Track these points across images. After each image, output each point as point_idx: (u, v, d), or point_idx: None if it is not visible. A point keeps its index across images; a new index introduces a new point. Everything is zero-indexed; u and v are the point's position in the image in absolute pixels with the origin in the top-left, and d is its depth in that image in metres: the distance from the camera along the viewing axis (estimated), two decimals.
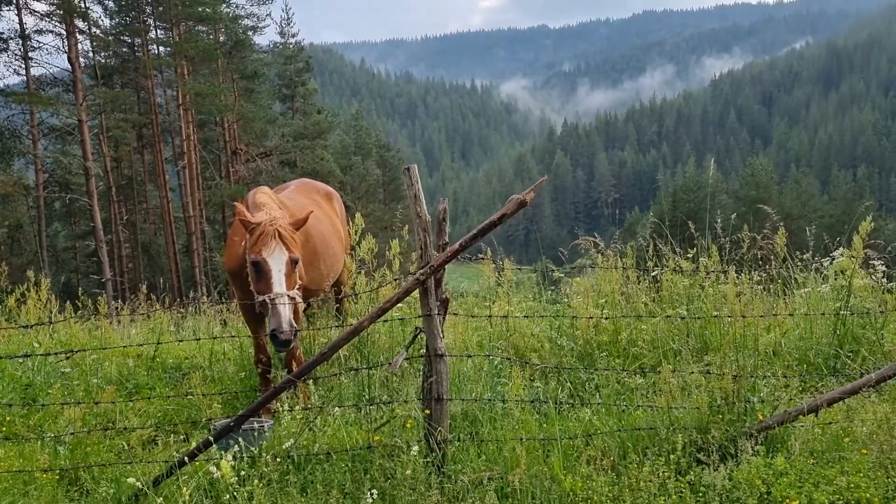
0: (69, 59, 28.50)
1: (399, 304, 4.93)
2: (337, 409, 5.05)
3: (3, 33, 29.47)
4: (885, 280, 6.24)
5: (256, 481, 4.02)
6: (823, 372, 5.49)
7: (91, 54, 33.90)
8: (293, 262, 5.15)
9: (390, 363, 4.56)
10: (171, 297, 10.72)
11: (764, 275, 6.82)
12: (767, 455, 4.15)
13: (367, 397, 5.23)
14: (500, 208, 4.35)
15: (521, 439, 4.34)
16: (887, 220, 54.31)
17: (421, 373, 4.65)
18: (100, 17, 35.15)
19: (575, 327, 6.25)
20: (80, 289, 9.65)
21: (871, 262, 6.32)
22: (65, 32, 28.80)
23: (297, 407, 5.12)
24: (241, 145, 38.63)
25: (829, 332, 5.80)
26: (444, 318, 4.52)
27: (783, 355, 5.77)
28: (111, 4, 35.41)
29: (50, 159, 32.71)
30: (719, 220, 6.86)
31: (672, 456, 4.12)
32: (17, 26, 28.85)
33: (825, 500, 3.71)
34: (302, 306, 5.52)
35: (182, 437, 5.35)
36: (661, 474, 4.01)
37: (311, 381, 5.39)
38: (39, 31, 29.68)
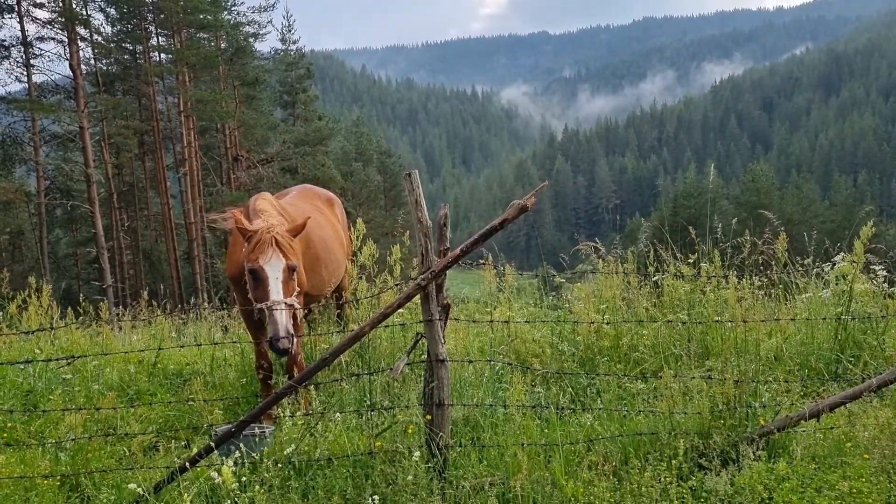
0: (71, 67, 28.58)
1: (400, 310, 4.93)
2: (338, 414, 5.05)
3: (4, 41, 29.61)
4: (886, 285, 6.24)
5: (258, 487, 4.02)
6: (825, 377, 5.48)
7: (93, 61, 33.98)
8: (291, 269, 5.13)
9: (392, 368, 4.56)
10: (172, 303, 10.73)
11: (765, 280, 6.82)
12: (769, 460, 4.14)
13: (368, 403, 5.22)
14: (500, 214, 4.36)
15: (523, 444, 4.33)
16: (888, 226, 54.31)
17: (422, 378, 4.65)
18: (101, 25, 35.30)
19: (576, 332, 6.25)
20: (81, 295, 9.66)
21: (872, 266, 6.32)
22: (66, 40, 28.89)
23: (299, 413, 5.12)
24: (242, 152, 38.69)
25: (831, 337, 5.80)
26: (445, 324, 4.52)
27: (785, 360, 5.77)
28: (113, 12, 35.53)
29: (51, 166, 32.77)
30: (720, 226, 6.86)
31: (674, 461, 4.11)
32: (19, 33, 29.01)
33: None
34: (301, 313, 5.52)
35: (183, 442, 5.35)
36: (662, 479, 4.00)
37: (312, 387, 5.39)
38: (41, 39, 29.82)
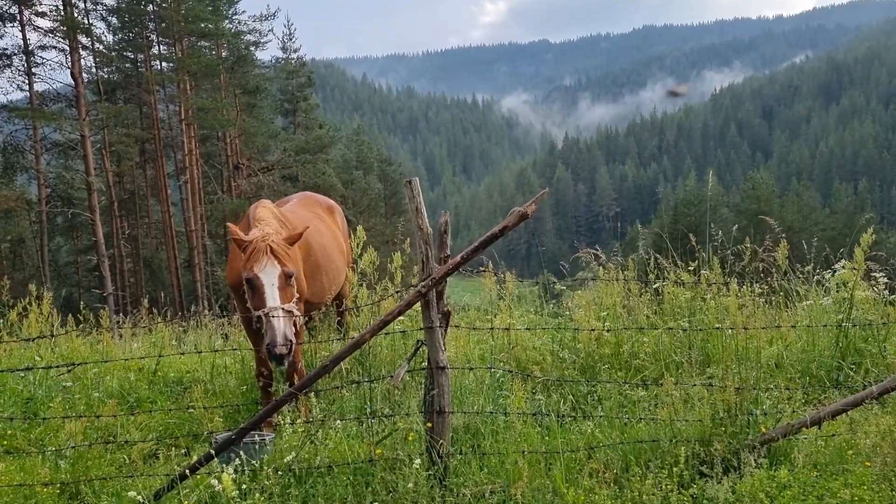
0: (72, 75, 28.66)
1: (401, 317, 4.93)
2: (338, 422, 5.04)
3: (6, 49, 29.71)
4: (886, 292, 6.24)
5: (258, 495, 4.01)
6: (826, 384, 5.47)
7: (94, 70, 34.10)
8: (287, 276, 5.14)
9: (392, 376, 4.56)
10: (172, 311, 10.72)
11: (766, 287, 6.82)
12: (770, 468, 4.13)
13: (368, 410, 5.21)
14: (501, 222, 4.36)
15: (524, 452, 4.33)
16: (889, 233, 54.28)
17: (423, 385, 4.64)
18: (103, 34, 35.43)
19: (577, 340, 6.24)
20: (81, 303, 9.64)
21: (872, 274, 6.32)
22: (68, 48, 28.98)
23: (299, 420, 5.11)
24: (243, 160, 38.76)
25: (832, 345, 5.79)
26: (445, 331, 4.52)
27: (786, 367, 5.76)
28: (114, 21, 35.67)
29: (52, 174, 32.84)
30: (720, 234, 6.86)
31: (675, 469, 4.10)
32: (21, 42, 29.07)
33: None
34: (301, 319, 5.51)
35: (183, 450, 5.34)
36: (663, 487, 3.99)
37: (312, 394, 5.39)
38: (43, 47, 29.92)
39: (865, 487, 3.83)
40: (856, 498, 3.75)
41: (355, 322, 6.91)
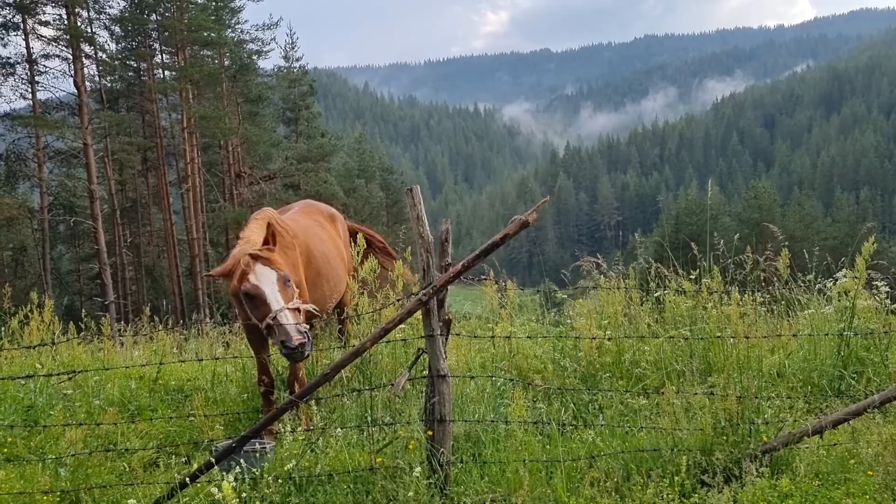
0: (75, 84, 28.75)
1: (402, 325, 4.93)
2: (339, 430, 5.04)
3: (10, 58, 29.83)
4: (888, 301, 6.23)
5: (258, 503, 4.00)
6: (828, 393, 5.46)
7: (97, 78, 34.25)
8: (283, 279, 5.12)
9: (393, 384, 4.55)
10: (173, 319, 10.72)
11: (767, 296, 6.81)
12: (772, 477, 4.12)
13: (369, 418, 5.21)
14: (502, 230, 4.36)
15: (525, 461, 4.32)
16: (890, 242, 54.28)
17: (423, 394, 4.63)
18: (106, 42, 35.59)
19: (578, 348, 6.23)
20: (83, 311, 9.64)
21: (874, 283, 6.30)
22: (71, 57, 29.09)
23: (300, 428, 5.10)
24: (244, 168, 38.83)
25: (834, 354, 5.78)
26: (446, 339, 4.51)
27: (787, 376, 5.75)
28: (117, 30, 35.83)
29: (55, 182, 32.93)
30: (722, 242, 6.86)
31: (676, 478, 4.09)
32: (24, 51, 29.17)
33: None
34: (315, 310, 5.50)
35: (184, 458, 5.33)
36: (665, 496, 3.98)
37: (313, 403, 5.37)
38: (46, 56, 30.00)
39: (867, 497, 3.82)
40: None
41: (356, 330, 6.91)
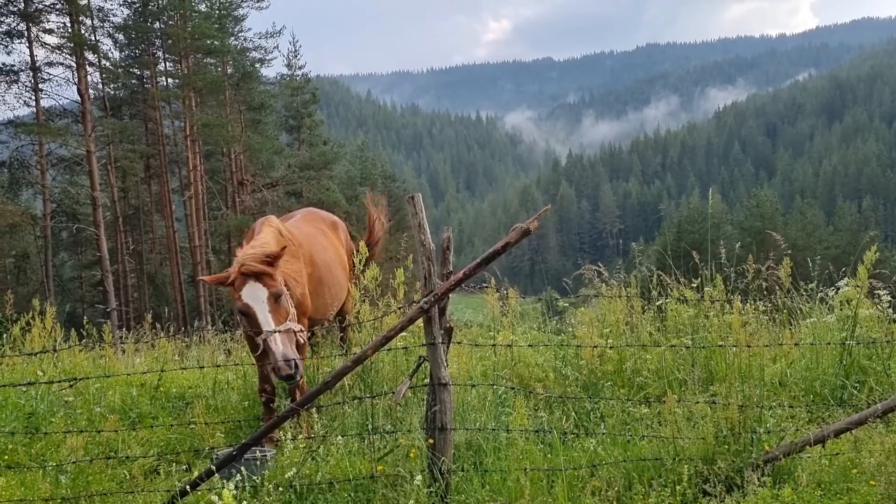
0: (79, 91, 28.84)
1: (403, 333, 4.93)
2: (340, 438, 5.03)
3: (14, 66, 29.94)
4: (890, 310, 6.21)
5: None
6: (830, 402, 5.45)
7: (100, 86, 34.33)
8: (275, 297, 5.04)
9: (394, 392, 4.55)
10: (175, 326, 10.73)
11: (769, 305, 6.80)
12: (774, 486, 4.11)
13: (370, 426, 5.20)
14: (504, 238, 4.36)
15: (526, 469, 4.30)
16: (892, 251, 54.14)
17: (425, 402, 4.63)
18: (109, 50, 35.70)
19: (579, 357, 6.23)
20: (85, 318, 9.65)
21: (876, 291, 6.29)
22: (75, 65, 29.17)
23: (300, 436, 5.10)
24: (247, 176, 38.89)
25: (836, 363, 5.76)
26: (448, 347, 4.51)
27: (789, 386, 5.74)
28: (121, 38, 35.97)
29: (58, 189, 32.96)
30: (723, 251, 6.85)
31: (678, 487, 4.08)
32: (28, 59, 29.27)
33: None
34: (304, 335, 5.49)
35: (184, 466, 5.33)
36: None
37: (314, 410, 5.37)
38: (50, 64, 30.09)
39: None
40: None
41: (357, 338, 6.91)
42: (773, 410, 4.96)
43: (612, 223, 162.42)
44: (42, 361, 7.74)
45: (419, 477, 4.15)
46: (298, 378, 4.91)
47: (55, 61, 30.17)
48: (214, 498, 4.05)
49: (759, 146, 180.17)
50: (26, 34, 29.11)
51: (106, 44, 35.48)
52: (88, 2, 31.45)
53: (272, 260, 5.10)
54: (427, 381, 4.50)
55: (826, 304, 6.72)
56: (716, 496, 4.07)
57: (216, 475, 4.33)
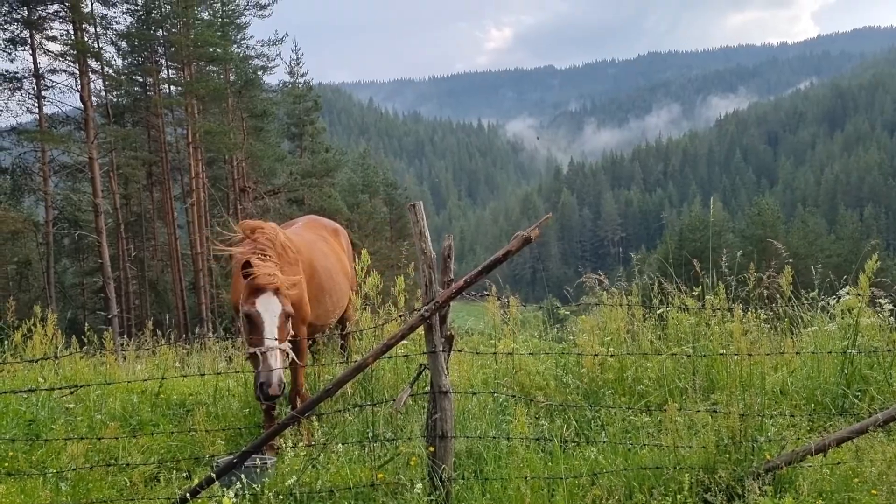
0: (81, 98, 28.93)
1: (404, 341, 4.93)
2: (340, 445, 5.02)
3: (17, 73, 30.02)
4: (892, 319, 6.21)
5: None
6: (831, 411, 5.44)
7: (103, 93, 34.43)
8: (287, 316, 5.13)
9: (395, 400, 4.55)
10: (176, 333, 10.72)
11: (770, 313, 6.79)
12: (775, 496, 4.10)
13: (371, 434, 5.19)
14: (505, 246, 4.37)
15: (526, 478, 4.30)
16: (894, 260, 54.10)
17: (425, 410, 4.63)
18: (112, 58, 35.81)
19: (580, 365, 6.22)
20: (86, 325, 9.66)
21: (877, 300, 6.29)
22: (78, 72, 29.28)
23: (301, 444, 5.10)
24: (249, 183, 38.95)
25: (837, 371, 5.76)
26: (448, 355, 4.51)
27: (790, 394, 5.73)
28: (124, 45, 36.06)
29: (60, 196, 33.03)
30: (725, 259, 6.85)
31: (679, 496, 4.07)
32: (32, 66, 29.38)
33: None
34: (292, 355, 5.51)
35: (185, 473, 5.32)
36: None
37: (314, 418, 5.37)
38: (53, 71, 30.23)
39: None
40: None
41: (358, 345, 6.91)
42: (775, 419, 4.95)
43: (614, 231, 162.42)
44: (43, 368, 7.75)
45: (420, 485, 4.14)
46: (279, 400, 4.94)
47: (58, 68, 30.34)
48: None
49: (761, 154, 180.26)
50: (30, 41, 29.23)
51: (109, 51, 35.62)
52: (92, 9, 31.62)
53: (294, 285, 5.26)
54: (428, 388, 4.50)
55: (827, 312, 6.72)
56: None
57: (216, 483, 4.33)
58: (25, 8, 28.98)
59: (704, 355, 5.95)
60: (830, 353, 5.85)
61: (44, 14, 29.51)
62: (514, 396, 5.63)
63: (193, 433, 5.81)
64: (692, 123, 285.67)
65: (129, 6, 34.94)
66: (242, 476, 4.39)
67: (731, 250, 7.18)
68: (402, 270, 6.99)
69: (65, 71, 30.38)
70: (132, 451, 5.61)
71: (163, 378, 7.04)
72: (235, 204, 38.69)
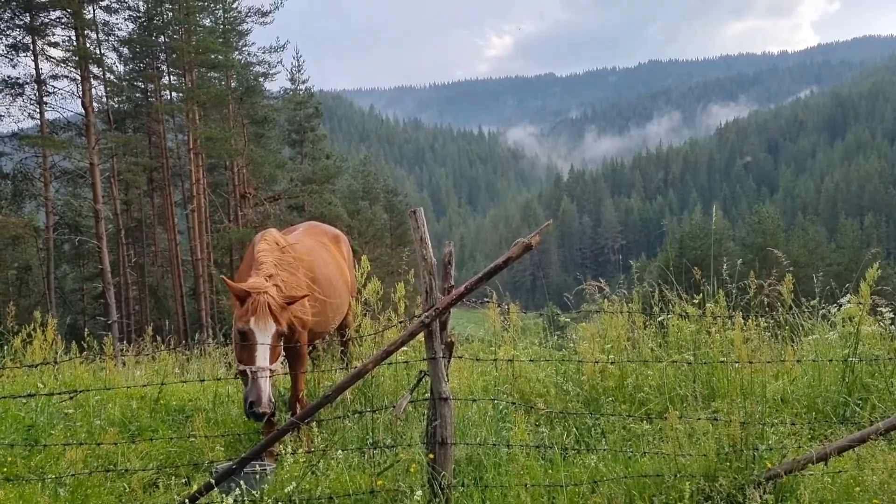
0: (83, 104, 28.96)
1: (404, 348, 4.92)
2: (340, 452, 5.01)
3: (19, 78, 30.07)
4: (893, 327, 6.20)
5: None
6: (832, 420, 5.42)
7: (104, 99, 34.48)
8: (280, 335, 5.13)
9: (394, 406, 4.54)
10: (176, 339, 10.71)
11: (771, 321, 6.79)
12: None
13: (370, 441, 5.18)
14: (505, 253, 4.37)
15: (526, 485, 4.29)
16: (895, 268, 54.07)
17: (425, 416, 4.61)
18: (114, 64, 35.92)
19: (581, 372, 6.21)
20: (86, 330, 9.65)
21: (878, 309, 6.28)
22: (79, 78, 29.30)
23: (300, 450, 5.08)
24: (249, 189, 38.97)
25: (838, 380, 5.75)
26: (448, 362, 4.50)
27: (791, 402, 5.71)
28: (126, 51, 36.16)
29: (60, 202, 33.03)
30: (725, 267, 6.85)
31: None
32: (33, 71, 29.42)
33: None
34: (280, 367, 5.51)
35: (184, 479, 5.31)
36: None
37: (314, 424, 5.36)
38: (55, 77, 30.25)
39: None
40: None
41: (358, 352, 6.90)
42: (775, 427, 4.93)
43: (614, 239, 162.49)
44: (42, 373, 7.73)
45: (419, 492, 4.13)
46: (268, 418, 4.94)
47: (60, 74, 30.36)
48: None
49: (761, 163, 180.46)
50: (32, 47, 29.29)
51: (111, 57, 35.74)
52: (94, 16, 31.70)
53: (290, 303, 5.23)
54: (428, 395, 4.49)
55: (828, 320, 6.71)
56: None
57: (215, 489, 4.32)
58: (28, 14, 29.06)
59: (705, 363, 5.94)
60: (831, 361, 5.84)
61: (46, 20, 29.56)
62: (514, 403, 5.61)
63: (193, 439, 5.79)
64: (693, 131, 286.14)
65: (130, 13, 35.10)
66: (241, 482, 4.38)
67: (732, 258, 7.18)
68: (402, 277, 6.98)
69: (66, 77, 30.44)
70: (131, 457, 5.59)
71: (162, 384, 7.02)
72: (236, 210, 38.72)
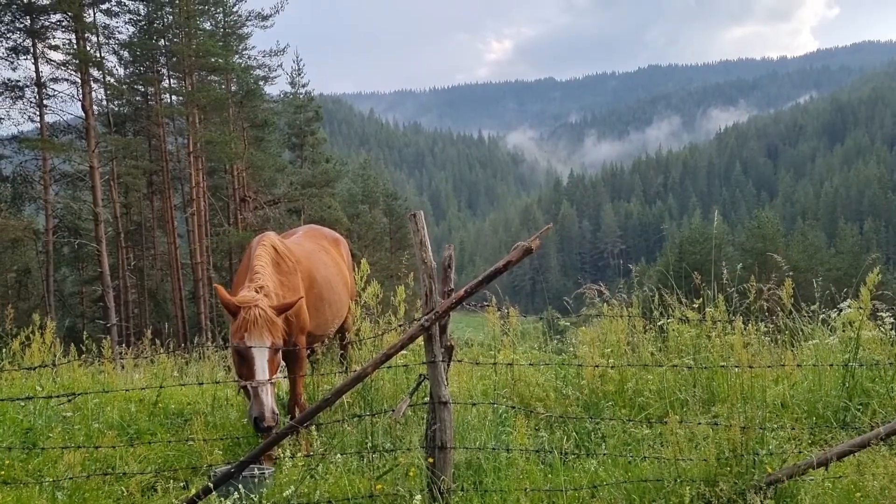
0: (83, 107, 28.99)
1: (403, 351, 4.91)
2: (339, 456, 5.00)
3: (19, 81, 30.09)
4: (893, 332, 6.19)
5: None
6: (833, 425, 5.41)
7: (105, 102, 34.50)
8: (275, 348, 5.11)
9: (394, 410, 4.53)
10: (175, 342, 10.69)
11: (771, 326, 6.78)
12: None
13: (369, 445, 5.17)
14: (505, 257, 4.36)
15: (526, 490, 4.27)
16: (895, 273, 54.08)
17: (425, 420, 4.60)
18: (114, 67, 35.93)
19: (581, 376, 6.20)
20: (85, 333, 9.63)
21: (879, 313, 6.27)
22: (80, 81, 29.35)
23: (299, 454, 5.07)
24: (249, 193, 38.99)
25: (838, 385, 5.73)
26: (448, 366, 4.49)
27: (792, 407, 5.70)
28: (126, 54, 36.18)
29: (60, 205, 33.03)
30: (725, 271, 6.84)
31: None
32: (34, 74, 29.45)
33: None
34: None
35: (182, 483, 5.29)
36: None
37: (313, 428, 5.34)
38: (55, 80, 30.30)
39: None
40: None
41: (358, 355, 6.89)
42: (776, 432, 4.92)
43: (614, 243, 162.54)
44: (41, 376, 7.72)
45: (419, 496, 4.11)
46: (272, 431, 4.93)
47: (60, 77, 30.42)
48: None
49: (761, 167, 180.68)
50: (32, 50, 29.31)
51: (111, 60, 35.75)
52: (94, 19, 31.74)
53: (281, 312, 5.20)
54: (427, 399, 4.48)
55: (828, 325, 6.70)
56: None
57: (214, 493, 4.30)
58: (28, 17, 29.09)
59: (705, 367, 5.93)
60: (832, 366, 5.83)
61: (46, 23, 29.61)
62: (513, 408, 5.60)
63: (191, 442, 5.78)
64: (692, 136, 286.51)
65: (131, 16, 35.14)
66: (240, 486, 4.37)
67: (732, 263, 7.18)
68: (401, 280, 6.98)
69: (66, 80, 30.50)
70: (129, 461, 5.57)
71: (161, 387, 7.01)
72: (236, 213, 38.74)
